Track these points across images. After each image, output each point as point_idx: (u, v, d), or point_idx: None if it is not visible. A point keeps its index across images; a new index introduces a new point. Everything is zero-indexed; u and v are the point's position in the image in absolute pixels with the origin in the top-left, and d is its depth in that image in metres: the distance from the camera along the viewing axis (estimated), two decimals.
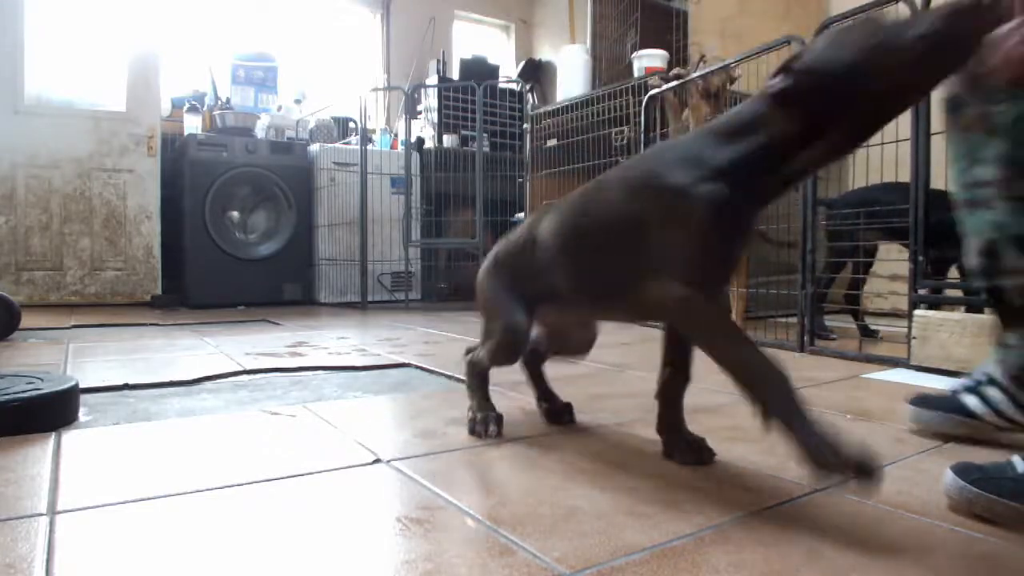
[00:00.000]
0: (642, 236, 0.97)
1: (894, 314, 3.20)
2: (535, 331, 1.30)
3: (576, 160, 3.88)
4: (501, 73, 5.46)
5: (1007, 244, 0.88)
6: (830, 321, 2.93)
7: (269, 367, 1.92)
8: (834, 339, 2.61)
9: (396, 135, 4.89)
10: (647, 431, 1.09)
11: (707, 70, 2.89)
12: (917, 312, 1.99)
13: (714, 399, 1.47)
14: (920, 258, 2.00)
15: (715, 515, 0.85)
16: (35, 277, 3.94)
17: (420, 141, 4.65)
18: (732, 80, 2.95)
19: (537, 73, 5.79)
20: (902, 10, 1.93)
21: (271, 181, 4.26)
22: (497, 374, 1.32)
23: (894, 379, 1.83)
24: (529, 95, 5.33)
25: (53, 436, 1.19)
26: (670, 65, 3.79)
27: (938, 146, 1.76)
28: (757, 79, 2.66)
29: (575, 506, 0.88)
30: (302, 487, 0.95)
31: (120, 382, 1.66)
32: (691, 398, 1.10)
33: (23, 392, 1.24)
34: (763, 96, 0.90)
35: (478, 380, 1.31)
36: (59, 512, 0.84)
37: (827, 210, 2.62)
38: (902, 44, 0.79)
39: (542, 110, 4.46)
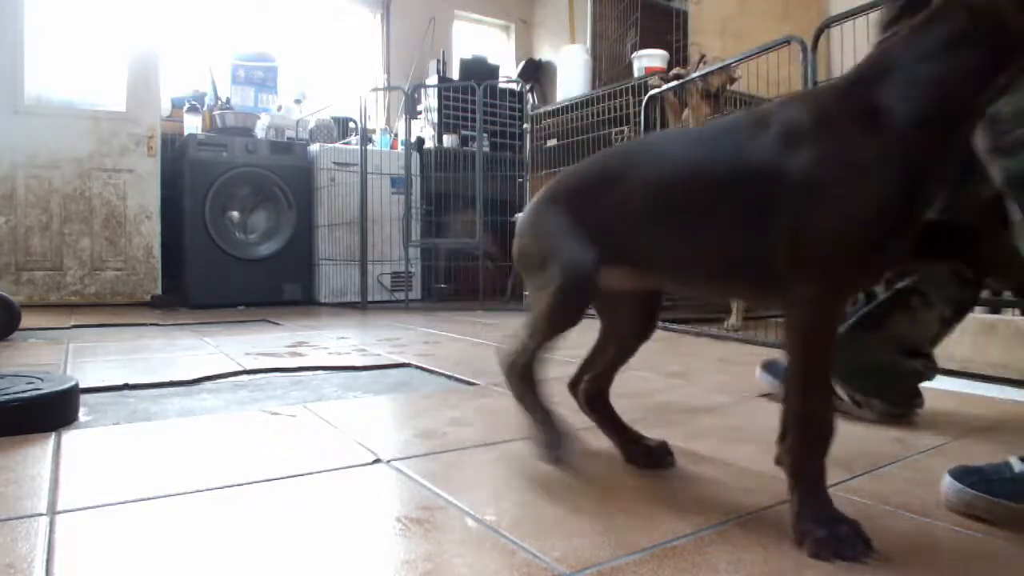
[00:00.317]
0: (789, 201, 0.75)
1: None
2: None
3: (576, 160, 3.88)
4: (501, 73, 5.47)
5: None
6: None
7: (269, 367, 1.92)
8: None
9: (396, 135, 4.89)
10: (647, 431, 1.09)
11: (707, 70, 2.89)
12: None
13: (714, 399, 1.47)
14: None
15: (715, 515, 0.85)
16: (35, 277, 3.94)
17: (420, 141, 4.65)
18: (732, 80, 2.96)
19: (537, 73, 5.79)
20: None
21: (271, 181, 4.26)
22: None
23: None
24: (529, 95, 5.33)
25: (53, 436, 1.19)
26: (670, 65, 3.79)
27: None
28: (757, 79, 2.66)
29: (575, 506, 0.88)
30: (302, 487, 0.95)
31: (120, 382, 1.66)
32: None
33: (23, 392, 1.24)
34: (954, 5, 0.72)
35: (526, 384, 1.00)
36: (59, 512, 0.84)
37: None
38: None
39: (542, 110, 4.46)
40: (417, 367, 1.99)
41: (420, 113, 5.01)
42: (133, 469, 1.03)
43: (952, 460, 0.90)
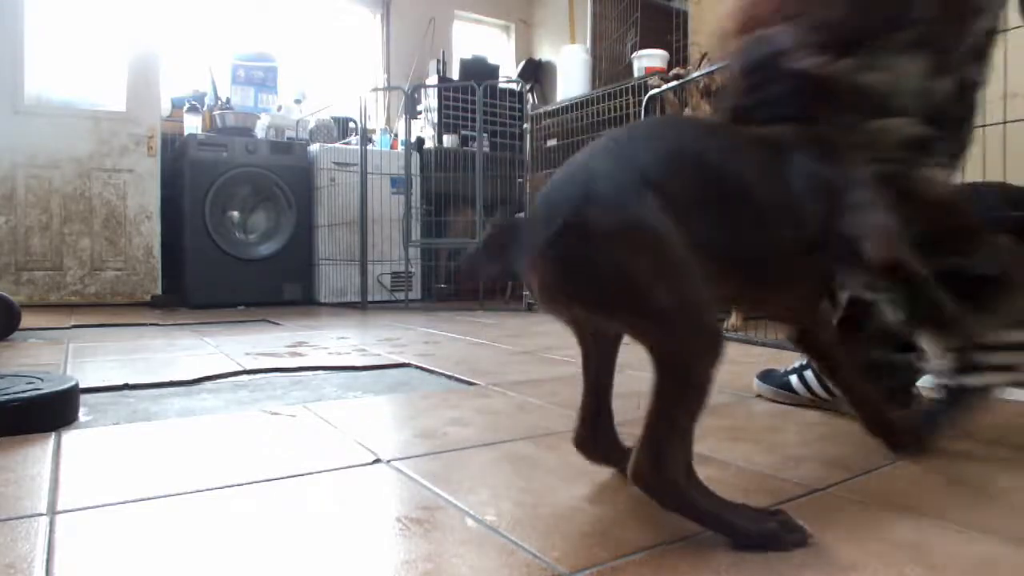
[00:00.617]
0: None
1: None
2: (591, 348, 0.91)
3: None
4: (501, 73, 5.47)
5: None
6: None
7: (269, 367, 1.92)
8: None
9: (396, 135, 4.89)
10: None
11: (707, 70, 2.89)
12: None
13: (714, 399, 1.46)
14: None
15: None
16: (35, 277, 3.94)
17: (420, 141, 4.65)
18: None
19: (537, 73, 5.79)
20: None
21: (271, 181, 4.27)
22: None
23: None
24: (529, 95, 5.33)
25: (53, 436, 1.19)
26: (670, 65, 3.79)
27: None
28: None
29: (575, 506, 0.88)
30: (302, 487, 0.95)
31: (120, 382, 1.66)
32: None
33: (23, 392, 1.24)
34: None
35: (698, 487, 0.74)
36: (59, 512, 0.84)
37: None
38: None
39: (542, 110, 4.46)
40: (417, 367, 1.99)
41: (420, 113, 5.01)
42: (133, 469, 1.03)
43: (952, 460, 0.90)
